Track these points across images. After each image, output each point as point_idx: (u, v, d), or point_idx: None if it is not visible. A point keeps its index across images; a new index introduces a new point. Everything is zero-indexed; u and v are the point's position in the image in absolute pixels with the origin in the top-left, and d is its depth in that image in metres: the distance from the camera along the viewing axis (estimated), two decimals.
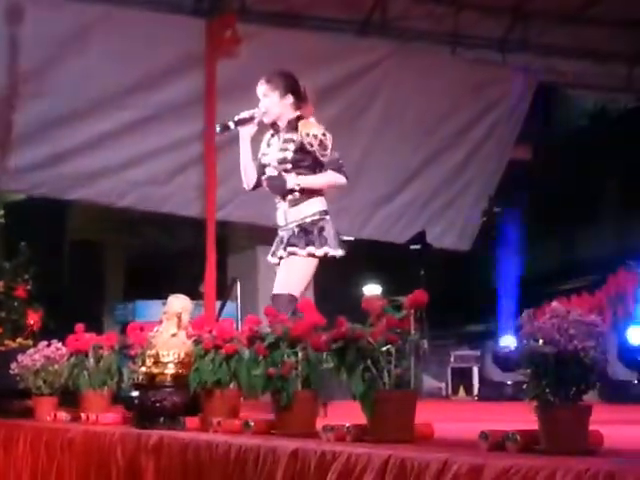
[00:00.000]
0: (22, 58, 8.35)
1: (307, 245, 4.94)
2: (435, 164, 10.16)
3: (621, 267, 9.02)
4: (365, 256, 11.37)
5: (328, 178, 5.04)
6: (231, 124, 5.13)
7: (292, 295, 4.88)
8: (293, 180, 4.98)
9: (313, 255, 4.94)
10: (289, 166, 5.01)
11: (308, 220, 4.98)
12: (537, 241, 11.45)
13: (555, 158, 11.82)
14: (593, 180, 11.51)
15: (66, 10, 8.53)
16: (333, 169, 5.03)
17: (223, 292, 8.89)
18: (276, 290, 4.98)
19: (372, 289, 11.91)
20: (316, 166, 5.03)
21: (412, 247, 10.04)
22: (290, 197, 5.02)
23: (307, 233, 4.95)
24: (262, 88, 5.14)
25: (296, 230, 4.97)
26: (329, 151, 5.02)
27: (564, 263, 11.29)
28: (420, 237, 9.96)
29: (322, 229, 4.99)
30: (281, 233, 5.08)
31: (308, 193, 5.01)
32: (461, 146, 10.26)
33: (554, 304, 2.84)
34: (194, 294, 5.43)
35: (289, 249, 4.96)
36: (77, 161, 8.79)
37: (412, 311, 3.33)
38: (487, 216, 10.33)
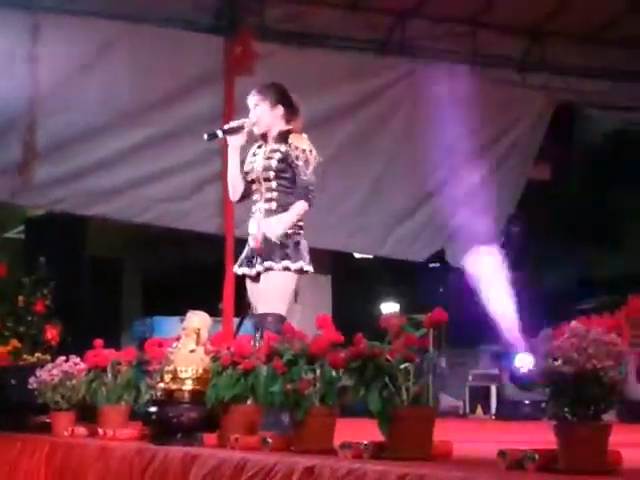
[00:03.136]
0: (42, 76, 8.42)
1: (282, 259, 4.87)
2: (454, 183, 10.16)
3: None
4: (383, 274, 11.36)
5: (297, 211, 4.91)
6: (219, 132, 5.09)
7: (279, 314, 4.82)
8: (275, 234, 4.91)
9: (288, 269, 4.87)
10: (271, 174, 4.95)
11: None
12: (556, 260, 11.40)
13: (574, 177, 11.79)
14: (612, 199, 11.46)
15: (85, 28, 8.60)
16: (300, 194, 4.90)
17: (241, 309, 8.89)
18: (261, 309, 4.89)
19: (390, 307, 11.88)
20: (295, 181, 4.96)
21: (431, 265, 10.03)
22: (266, 206, 4.99)
23: (283, 246, 4.88)
24: (253, 98, 5.10)
25: (271, 243, 4.90)
26: (310, 171, 4.93)
27: (583, 282, 11.22)
28: (439, 255, 9.94)
29: (298, 243, 4.91)
30: (252, 244, 5.00)
31: (284, 206, 4.95)
32: (480, 165, 10.26)
33: (573, 323, 2.84)
34: (212, 311, 5.41)
35: (265, 263, 4.87)
36: (97, 177, 8.84)
37: (431, 329, 3.33)
38: (505, 235, 10.30)
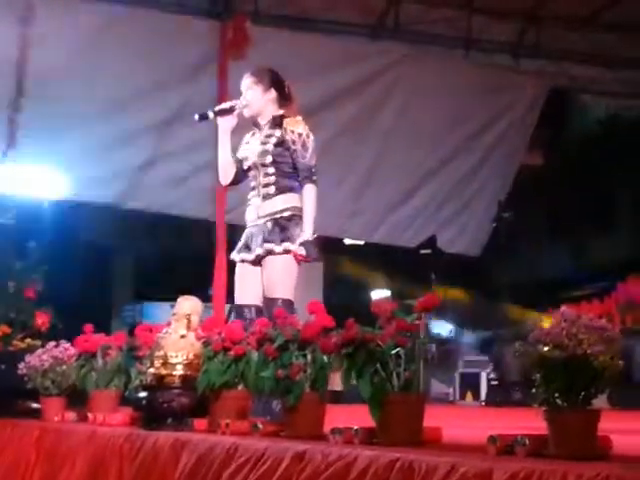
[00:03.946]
0: (34, 59, 8.36)
1: (283, 241, 4.84)
2: (447, 169, 10.16)
3: (632, 275, 8.97)
4: (375, 260, 11.37)
5: (311, 199, 4.89)
6: (210, 114, 5.05)
7: (286, 299, 4.81)
8: (309, 237, 4.86)
9: (289, 251, 4.86)
10: (269, 159, 4.93)
11: (283, 215, 4.89)
12: (547, 247, 11.42)
13: (567, 163, 11.80)
14: (605, 186, 11.48)
15: (81, 11, 8.55)
16: (306, 177, 4.89)
17: (232, 295, 8.87)
18: (268, 294, 4.88)
19: (381, 293, 11.90)
20: (294, 165, 4.93)
21: (423, 252, 10.04)
22: (264, 191, 4.97)
23: (283, 229, 4.85)
24: (246, 81, 5.07)
25: (270, 225, 4.87)
26: (309, 154, 4.91)
27: (574, 270, 11.26)
28: (431, 242, 9.95)
29: (297, 225, 4.87)
30: (251, 229, 4.96)
31: (282, 190, 4.93)
32: (473, 151, 10.25)
33: (563, 309, 2.83)
34: (203, 297, 5.40)
35: (266, 246, 4.84)
36: (89, 163, 8.80)
37: (422, 315, 3.32)
38: (497, 221, 10.31)
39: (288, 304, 4.73)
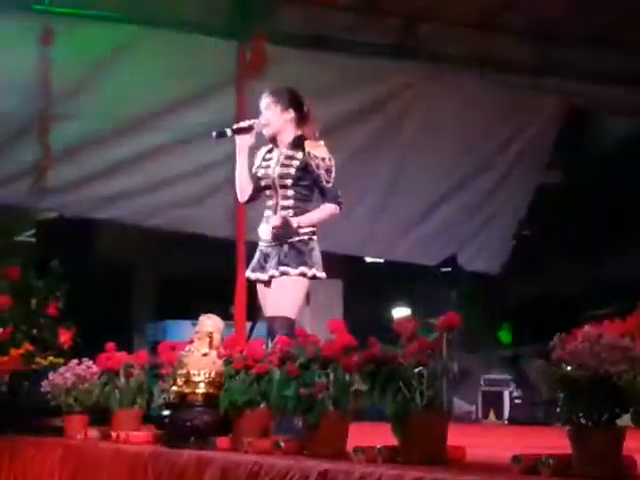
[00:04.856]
0: (55, 80, 8.43)
1: (299, 265, 4.90)
2: (466, 188, 10.16)
3: None
4: (395, 278, 11.36)
5: (325, 212, 4.99)
6: (228, 131, 5.10)
7: (288, 318, 4.85)
8: (298, 221, 4.93)
9: (304, 275, 4.90)
10: (289, 182, 4.97)
11: (301, 239, 4.94)
12: (566, 265, 11.38)
13: (586, 182, 11.77)
14: (625, 205, 11.44)
15: (99, 32, 8.61)
16: (332, 200, 4.98)
17: (253, 313, 8.90)
18: (271, 312, 4.93)
19: (401, 311, 11.89)
20: (314, 187, 5.00)
21: (443, 270, 10.05)
22: (283, 213, 5.00)
23: (300, 253, 4.91)
24: (265, 101, 5.12)
25: (287, 248, 4.92)
26: (333, 177, 4.98)
27: (593, 288, 11.20)
28: (451, 260, 9.96)
29: (312, 249, 4.95)
30: (267, 249, 5.01)
31: (301, 212, 4.98)
32: (492, 170, 10.26)
33: (586, 328, 2.84)
34: (224, 315, 5.43)
35: (281, 268, 4.89)
36: (109, 181, 8.86)
37: (444, 333, 3.33)
38: (516, 239, 10.31)
39: (288, 323, 4.78)
